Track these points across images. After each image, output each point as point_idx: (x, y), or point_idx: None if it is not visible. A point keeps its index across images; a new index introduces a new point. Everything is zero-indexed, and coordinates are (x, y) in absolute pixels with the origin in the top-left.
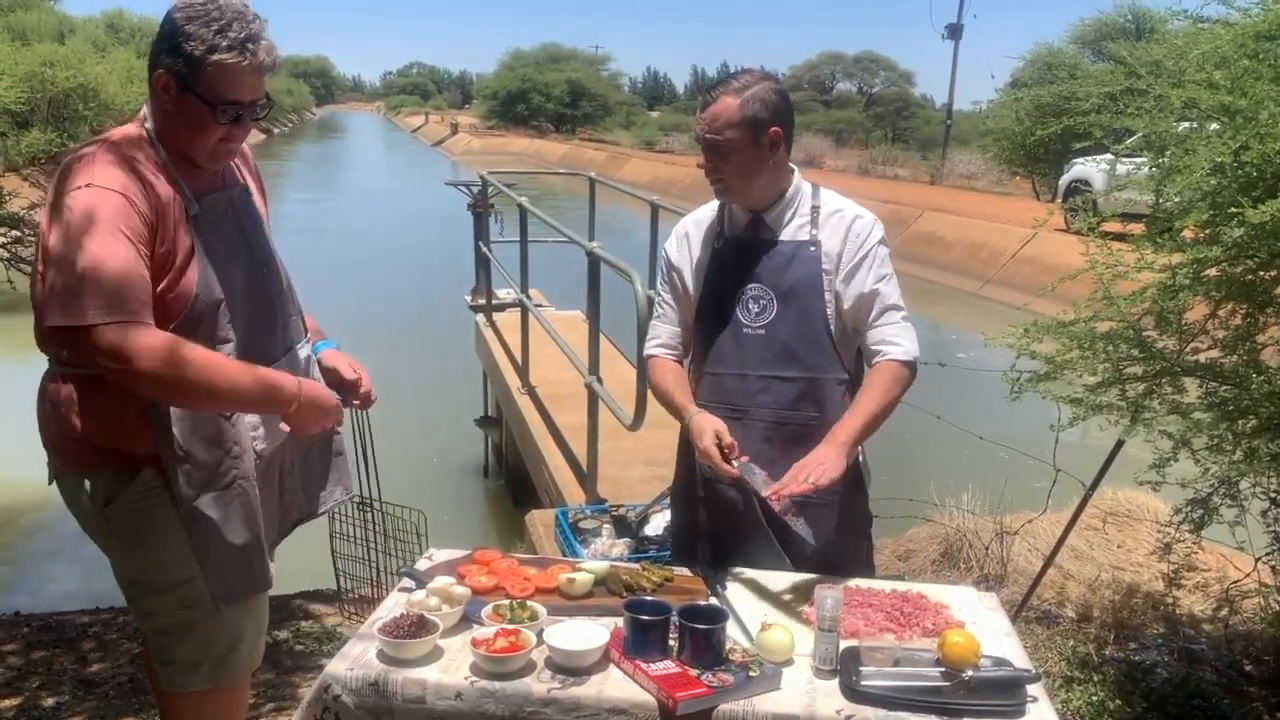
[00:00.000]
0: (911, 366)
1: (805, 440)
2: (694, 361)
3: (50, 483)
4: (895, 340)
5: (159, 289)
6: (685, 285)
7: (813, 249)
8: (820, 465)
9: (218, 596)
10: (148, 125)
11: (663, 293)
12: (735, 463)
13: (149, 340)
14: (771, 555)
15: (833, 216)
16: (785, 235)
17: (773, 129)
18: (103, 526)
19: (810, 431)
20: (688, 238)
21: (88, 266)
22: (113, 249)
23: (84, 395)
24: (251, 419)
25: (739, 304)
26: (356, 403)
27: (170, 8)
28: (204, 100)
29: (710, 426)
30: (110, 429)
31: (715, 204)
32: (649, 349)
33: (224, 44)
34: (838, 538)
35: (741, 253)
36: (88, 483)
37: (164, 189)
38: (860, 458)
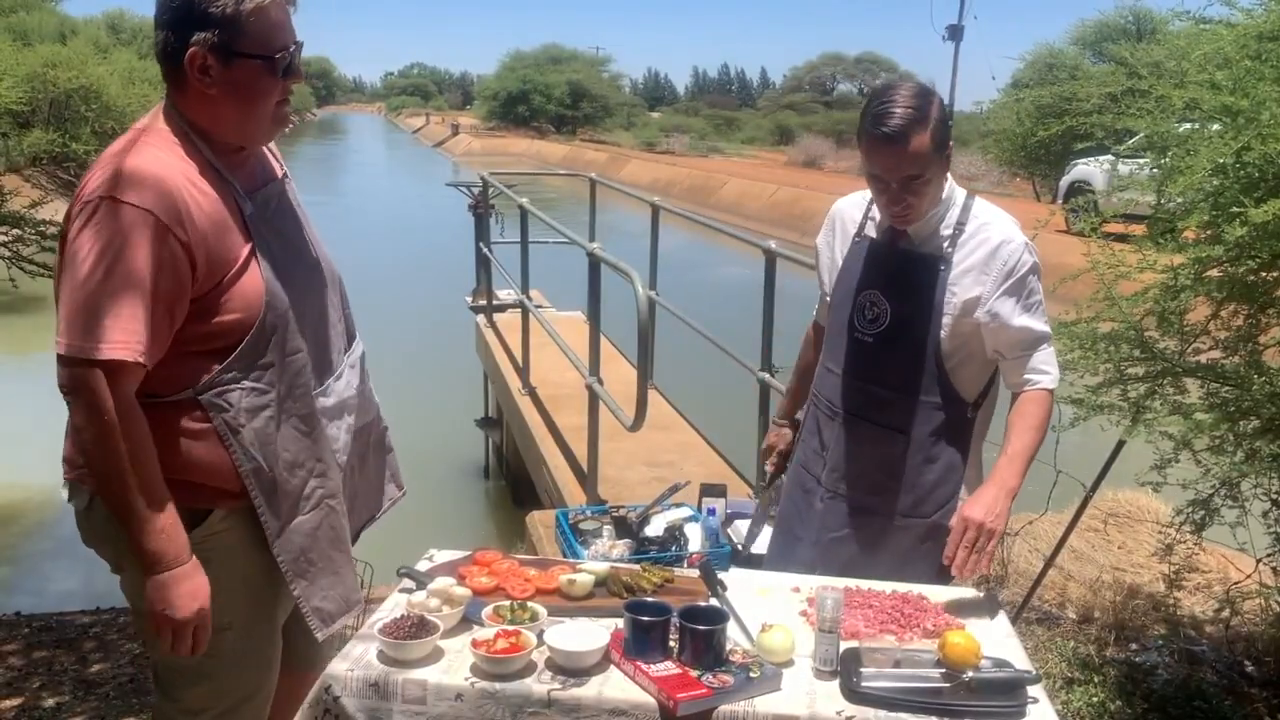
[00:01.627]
0: (1054, 392)
1: (890, 460)
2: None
3: (74, 504)
4: (1045, 369)
5: (220, 302)
6: (827, 271)
7: (942, 268)
8: (989, 519)
9: (314, 623)
10: (176, 120)
11: None
12: (763, 484)
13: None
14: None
15: (975, 237)
16: (922, 247)
17: (950, 144)
18: None
19: (898, 452)
20: (834, 229)
21: (96, 290)
22: (130, 277)
23: (158, 425)
24: (333, 430)
25: (856, 307)
26: None
27: None
28: (257, 57)
29: (776, 439)
30: (183, 461)
31: (867, 194)
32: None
33: None
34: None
35: (873, 255)
36: None
37: (211, 191)
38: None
